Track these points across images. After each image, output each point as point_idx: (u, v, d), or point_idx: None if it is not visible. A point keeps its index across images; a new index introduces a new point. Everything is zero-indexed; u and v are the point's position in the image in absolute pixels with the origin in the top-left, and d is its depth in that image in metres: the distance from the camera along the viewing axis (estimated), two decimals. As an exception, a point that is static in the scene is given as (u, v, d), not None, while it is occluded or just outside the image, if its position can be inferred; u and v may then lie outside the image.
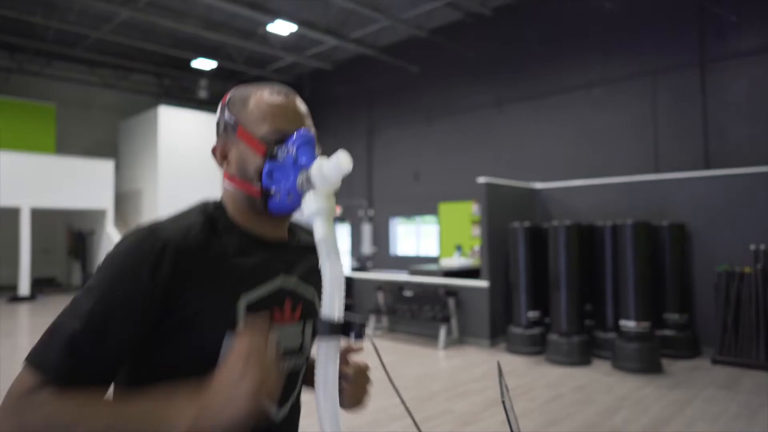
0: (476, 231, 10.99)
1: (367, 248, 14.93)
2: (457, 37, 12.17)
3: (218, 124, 0.98)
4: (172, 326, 0.82)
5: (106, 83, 15.32)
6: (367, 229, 15.01)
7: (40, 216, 13.09)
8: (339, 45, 12.99)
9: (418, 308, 7.22)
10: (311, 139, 0.91)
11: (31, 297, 11.90)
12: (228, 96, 0.99)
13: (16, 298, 11.67)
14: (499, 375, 1.16)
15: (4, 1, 10.65)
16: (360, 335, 0.84)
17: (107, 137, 15.52)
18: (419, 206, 13.51)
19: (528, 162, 10.92)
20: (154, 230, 0.84)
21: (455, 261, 9.21)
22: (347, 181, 15.89)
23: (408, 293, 7.47)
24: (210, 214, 0.93)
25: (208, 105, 16.49)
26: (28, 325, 9.15)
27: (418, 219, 14.04)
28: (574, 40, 10.45)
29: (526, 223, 6.69)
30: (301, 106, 0.97)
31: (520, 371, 5.66)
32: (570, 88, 10.48)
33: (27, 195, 11.91)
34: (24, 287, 11.87)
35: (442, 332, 6.77)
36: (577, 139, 10.36)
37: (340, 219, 16.03)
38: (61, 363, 0.74)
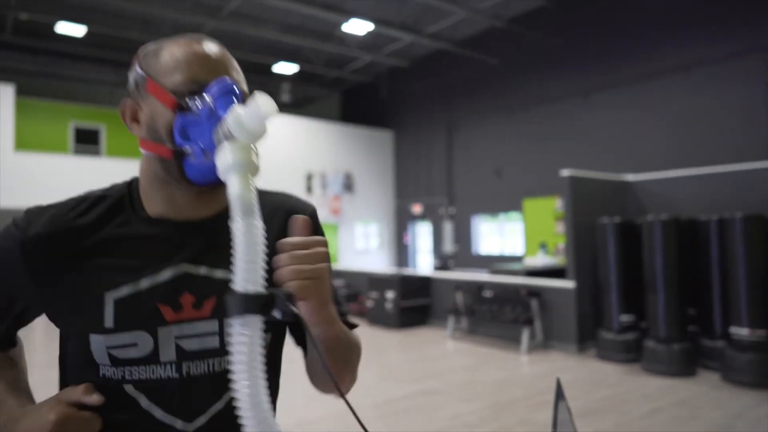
0: (560, 227, 10.37)
1: (448, 247, 14.66)
2: (537, 25, 11.58)
3: (129, 82, 0.84)
4: (49, 314, 0.81)
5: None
6: (448, 228, 14.74)
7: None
8: (415, 41, 12.83)
9: (498, 309, 6.89)
10: (231, 88, 0.76)
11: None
12: (141, 50, 0.85)
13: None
14: (556, 396, 0.95)
15: (106, 20, 11.57)
16: (286, 312, 0.64)
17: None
18: (502, 203, 13.03)
19: (617, 153, 10.14)
20: (15, 232, 0.80)
21: (539, 260, 8.73)
22: (427, 179, 15.75)
23: (488, 294, 7.16)
24: (117, 191, 0.85)
25: (291, 108, 16.99)
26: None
27: (502, 216, 13.54)
28: (669, 18, 9.54)
29: (617, 219, 6.14)
30: (222, 52, 0.82)
31: (612, 380, 5.19)
32: (665, 71, 9.58)
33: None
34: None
35: (525, 335, 6.40)
36: (673, 126, 9.45)
37: (422, 217, 15.92)
38: None
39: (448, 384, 5.19)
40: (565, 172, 6.52)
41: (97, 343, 0.77)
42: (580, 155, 10.77)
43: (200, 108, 0.75)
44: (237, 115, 0.69)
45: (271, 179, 14.40)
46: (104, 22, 11.63)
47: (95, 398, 0.73)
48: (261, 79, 16.18)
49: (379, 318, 8.27)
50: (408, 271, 10.15)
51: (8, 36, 11.87)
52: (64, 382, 0.83)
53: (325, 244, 0.74)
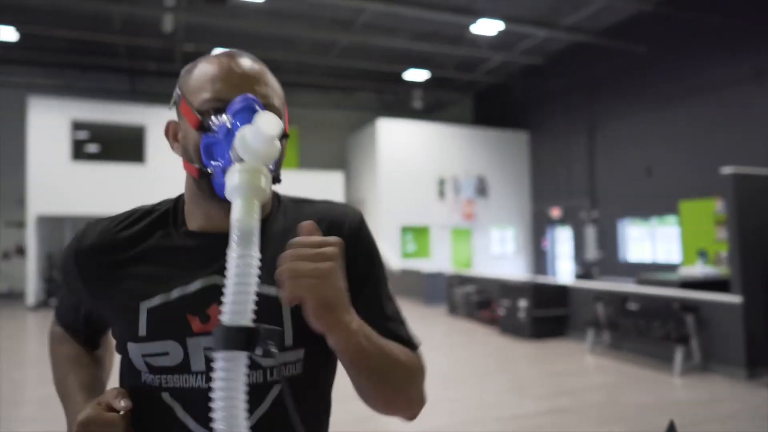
0: (722, 233, 9.03)
1: (591, 253, 13.62)
2: (693, 5, 10.26)
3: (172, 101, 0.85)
4: (104, 320, 0.89)
5: (335, 104, 17.13)
6: (590, 233, 13.70)
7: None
8: (550, 36, 12.17)
9: (645, 324, 6.17)
10: (248, 105, 0.73)
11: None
12: (183, 69, 0.86)
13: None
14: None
15: (249, 42, 12.70)
16: (267, 352, 0.61)
17: (339, 152, 17.32)
18: (654, 205, 11.78)
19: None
20: (72, 244, 0.87)
21: (698, 269, 7.70)
22: (567, 180, 14.83)
23: (633, 306, 6.45)
24: (165, 205, 0.88)
25: (423, 114, 17.15)
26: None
27: (654, 220, 12.24)
28: None
29: (798, 223, 5.16)
30: (250, 67, 0.80)
31: (792, 416, 4.34)
32: None
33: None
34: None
35: (678, 355, 5.64)
36: None
37: (560, 221, 15.02)
38: (56, 313, 0.97)
39: (583, 403, 4.76)
40: (727, 170, 5.64)
41: (134, 350, 0.79)
42: (746, 150, 9.32)
43: (220, 126, 0.74)
44: (242, 135, 0.68)
45: (403, 185, 14.65)
46: (253, 45, 12.78)
47: (123, 404, 0.74)
48: (393, 87, 16.57)
49: (510, 327, 7.92)
50: (542, 279, 9.60)
51: (177, 65, 13.61)
52: (121, 385, 0.87)
53: (336, 244, 0.68)
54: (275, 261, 0.70)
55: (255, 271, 0.63)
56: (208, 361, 0.77)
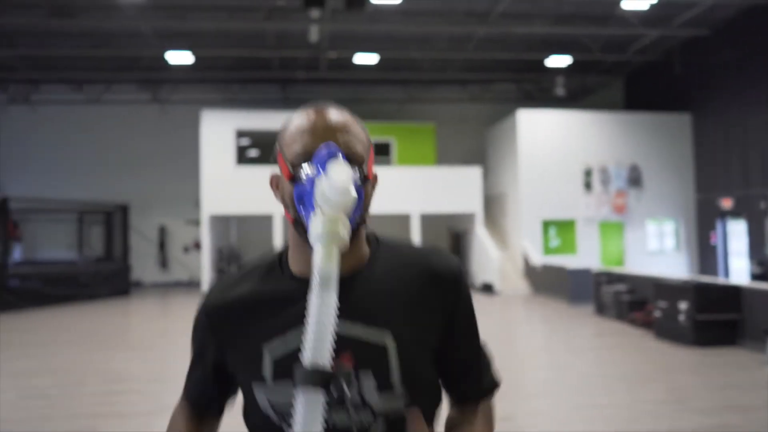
0: None
1: (773, 249, 11.75)
2: None
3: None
4: (229, 370, 0.92)
5: (473, 98, 16.94)
6: (772, 226, 11.83)
7: (427, 219, 15.45)
8: (719, 2, 10.73)
9: None
10: (331, 153, 0.78)
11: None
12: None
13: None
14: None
15: (393, 45, 13.05)
16: (341, 396, 0.69)
17: (477, 146, 17.11)
18: None
19: None
20: (203, 304, 0.94)
21: None
22: (741, 167, 12.95)
23: (827, 313, 5.46)
24: (271, 257, 0.94)
25: (566, 102, 16.21)
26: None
27: None
28: None
29: None
30: (333, 118, 0.86)
31: None
32: None
33: (415, 203, 14.24)
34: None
35: None
36: None
37: (733, 213, 13.18)
38: (183, 392, 1.00)
39: (756, 423, 4.16)
40: None
41: (259, 391, 0.85)
42: None
43: (307, 178, 0.79)
44: (320, 185, 0.74)
45: (545, 178, 14.01)
46: (391, 47, 13.16)
47: None
48: (533, 76, 15.91)
49: (668, 332, 7.18)
50: (709, 279, 8.53)
51: (323, 72, 14.54)
52: (246, 423, 0.93)
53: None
54: (377, 305, 0.84)
55: (333, 315, 0.69)
56: (347, 393, 0.82)
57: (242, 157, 14.88)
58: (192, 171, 14.34)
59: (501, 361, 5.38)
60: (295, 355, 0.80)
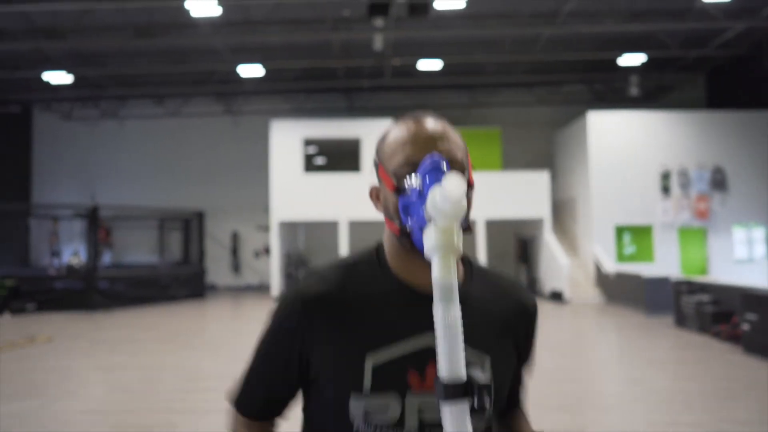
0: None
1: None
2: None
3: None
4: (310, 378, 0.87)
5: (540, 100, 16.50)
6: None
7: (493, 225, 15.18)
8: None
9: None
10: (435, 166, 0.78)
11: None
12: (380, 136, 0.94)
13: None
14: None
15: (456, 49, 12.99)
16: (481, 404, 0.69)
17: (545, 150, 16.64)
18: None
19: None
20: (297, 291, 0.88)
21: None
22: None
23: None
24: (368, 258, 0.92)
25: (641, 102, 15.46)
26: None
27: None
28: None
29: None
30: (435, 127, 0.86)
31: None
32: None
33: (481, 209, 14.02)
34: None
35: None
36: None
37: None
38: (234, 399, 0.95)
39: None
40: None
41: (356, 402, 0.81)
42: None
43: (412, 188, 0.79)
44: (433, 197, 0.73)
45: (618, 181, 13.41)
46: (455, 52, 13.10)
47: None
48: (604, 76, 15.32)
49: (759, 346, 6.63)
50: (806, 290, 7.80)
51: (388, 80, 14.68)
52: None
53: None
54: (477, 328, 0.84)
55: (460, 326, 0.70)
56: (421, 420, 0.81)
57: (309, 165, 15.29)
58: (262, 179, 14.90)
59: (570, 373, 5.22)
60: (395, 365, 0.81)
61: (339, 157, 15.85)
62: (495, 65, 14.20)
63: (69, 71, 13.06)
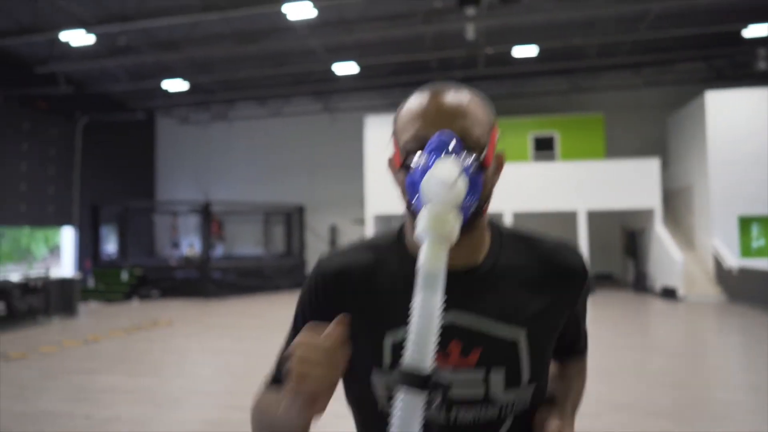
0: None
1: None
2: None
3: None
4: None
5: (648, 82, 15.27)
6: None
7: (596, 217, 14.35)
8: None
9: None
10: (443, 143, 0.74)
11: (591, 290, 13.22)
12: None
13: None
14: None
15: (552, 33, 12.38)
16: (431, 400, 0.65)
17: (655, 135, 15.40)
18: None
19: None
20: (319, 265, 0.90)
21: None
22: None
23: None
24: (392, 238, 0.91)
25: (770, 78, 13.75)
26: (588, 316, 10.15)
27: None
28: None
29: None
30: (449, 101, 0.80)
31: None
32: None
33: (582, 199, 13.32)
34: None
35: None
36: None
37: None
38: (272, 374, 0.95)
39: None
40: None
41: (378, 379, 0.82)
42: None
43: (418, 166, 0.76)
44: (427, 179, 0.71)
45: (743, 168, 12.13)
46: (552, 36, 12.50)
47: (338, 331, 0.71)
48: (726, 51, 13.81)
49: None
50: None
51: (482, 69, 14.37)
52: (354, 412, 0.91)
53: None
54: (509, 300, 0.82)
55: (437, 317, 0.67)
56: (446, 399, 0.79)
57: (403, 159, 15.38)
58: (358, 173, 15.29)
59: (679, 377, 4.87)
60: None
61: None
62: (596, 47, 13.35)
63: (184, 79, 14.25)
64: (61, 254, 15.73)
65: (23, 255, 15.48)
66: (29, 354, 6.86)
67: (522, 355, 0.81)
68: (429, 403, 0.65)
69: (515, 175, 13.56)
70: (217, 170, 18.52)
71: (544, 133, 14.97)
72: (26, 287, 9.32)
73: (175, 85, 14.48)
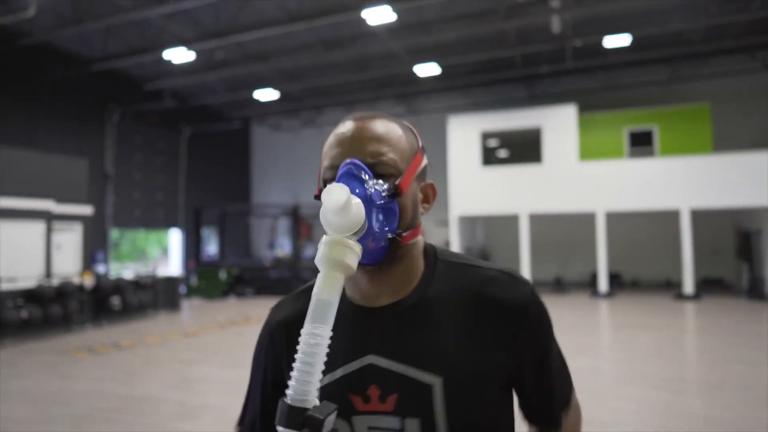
0: None
1: None
2: None
3: None
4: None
5: (766, 66, 13.78)
6: None
7: (704, 216, 13.18)
8: None
9: None
10: (349, 170, 0.73)
11: (696, 296, 12.15)
12: None
13: (681, 296, 12.25)
14: None
15: (647, 20, 11.55)
16: None
17: (771, 126, 13.89)
18: None
19: None
20: (269, 316, 0.91)
21: None
22: None
23: None
24: None
25: None
26: (692, 324, 9.41)
27: None
28: None
29: None
30: (365, 129, 0.78)
31: None
32: None
33: (685, 197, 12.30)
34: (688, 286, 12.27)
35: None
36: None
37: None
38: (239, 419, 0.93)
39: None
40: None
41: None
42: None
43: None
44: (323, 207, 0.69)
45: None
46: (647, 22, 11.69)
47: None
48: None
49: None
50: None
51: (570, 63, 13.76)
52: None
53: None
54: (428, 340, 0.75)
55: (324, 350, 0.65)
56: None
57: (489, 158, 15.13)
58: (442, 174, 15.23)
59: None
60: (335, 388, 0.77)
61: (523, 148, 15.34)
62: (699, 31, 12.28)
63: (275, 88, 15.02)
64: (169, 254, 17.20)
65: (139, 255, 17.12)
66: (136, 344, 7.58)
67: (436, 406, 0.74)
68: None
69: (607, 174, 12.82)
70: (307, 174, 19.29)
71: (641, 127, 13.99)
72: (138, 284, 10.29)
73: (267, 94, 15.28)
